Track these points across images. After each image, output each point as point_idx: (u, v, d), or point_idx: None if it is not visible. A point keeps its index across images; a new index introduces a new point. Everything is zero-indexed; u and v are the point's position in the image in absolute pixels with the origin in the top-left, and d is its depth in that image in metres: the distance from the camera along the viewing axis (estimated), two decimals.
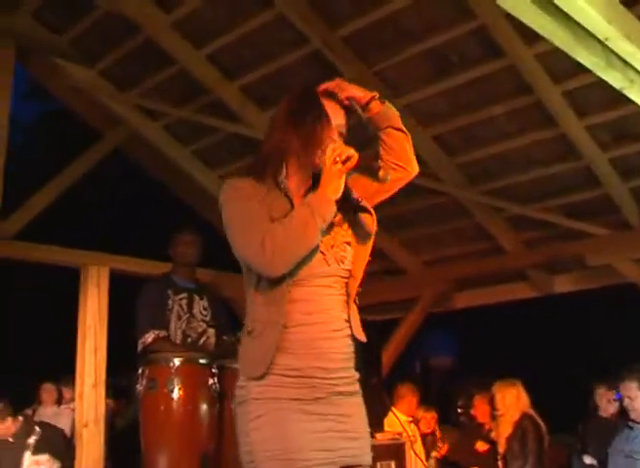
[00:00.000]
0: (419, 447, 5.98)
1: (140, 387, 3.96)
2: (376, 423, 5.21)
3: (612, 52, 2.88)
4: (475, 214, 6.36)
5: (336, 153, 2.16)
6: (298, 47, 5.19)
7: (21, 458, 5.13)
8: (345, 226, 2.31)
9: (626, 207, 5.74)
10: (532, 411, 5.57)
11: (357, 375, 2.29)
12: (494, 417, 5.83)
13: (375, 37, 4.96)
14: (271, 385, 2.14)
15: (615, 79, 3.12)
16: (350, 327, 2.27)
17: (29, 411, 6.50)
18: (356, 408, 2.25)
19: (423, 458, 5.86)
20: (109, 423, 6.12)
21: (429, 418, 6.57)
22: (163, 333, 4.40)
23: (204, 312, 4.78)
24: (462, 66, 5.06)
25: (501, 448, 5.61)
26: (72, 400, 6.33)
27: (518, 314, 7.73)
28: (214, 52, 5.44)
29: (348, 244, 2.30)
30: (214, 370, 3.95)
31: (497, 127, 5.51)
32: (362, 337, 2.30)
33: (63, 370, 6.73)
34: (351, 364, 2.27)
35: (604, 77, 3.11)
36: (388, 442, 5.17)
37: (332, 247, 2.26)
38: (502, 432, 5.61)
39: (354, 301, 2.31)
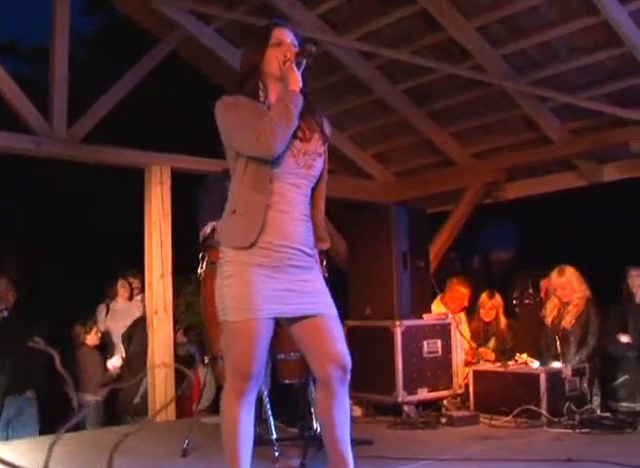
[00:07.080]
0: (464, 328, 6.10)
1: (200, 270, 4.36)
2: (422, 305, 5.54)
3: None
4: (521, 105, 6.45)
5: (285, 55, 2.85)
6: None
7: None
8: (319, 140, 2.93)
9: None
10: None
11: (315, 257, 2.96)
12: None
13: None
14: (245, 253, 2.78)
15: None
16: (312, 223, 2.94)
17: (104, 306, 7.04)
18: (313, 276, 2.90)
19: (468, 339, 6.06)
20: None
21: (490, 306, 6.45)
22: None
23: None
24: None
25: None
26: (141, 291, 6.82)
27: (569, 203, 7.84)
28: None
29: (319, 155, 2.93)
30: None
31: (540, 15, 5.55)
32: (323, 245, 2.99)
33: (130, 265, 7.18)
34: (308, 246, 2.90)
35: None
36: (434, 322, 5.48)
37: (303, 154, 2.88)
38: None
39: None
